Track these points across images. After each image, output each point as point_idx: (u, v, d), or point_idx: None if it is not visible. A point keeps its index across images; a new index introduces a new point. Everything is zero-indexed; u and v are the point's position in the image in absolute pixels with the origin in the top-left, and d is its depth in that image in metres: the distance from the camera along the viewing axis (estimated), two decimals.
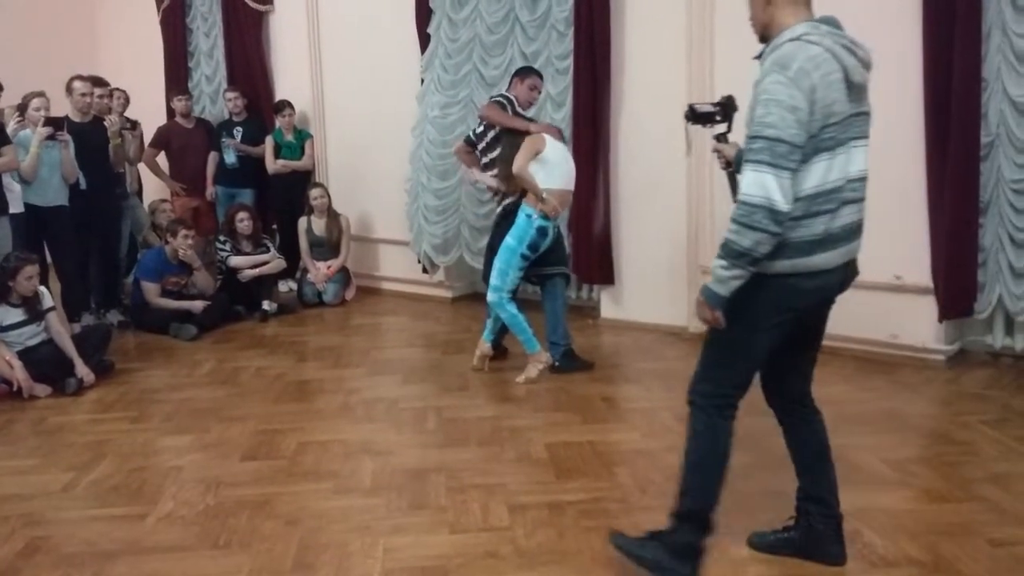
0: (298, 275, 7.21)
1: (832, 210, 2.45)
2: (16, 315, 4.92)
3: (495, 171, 5.01)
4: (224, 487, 3.55)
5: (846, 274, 2.60)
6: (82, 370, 4.94)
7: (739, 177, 2.54)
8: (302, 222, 7.06)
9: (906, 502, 3.28)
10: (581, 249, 6.03)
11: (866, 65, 2.47)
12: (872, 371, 4.83)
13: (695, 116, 3.18)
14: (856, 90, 2.44)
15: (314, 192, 7.04)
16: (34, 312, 4.98)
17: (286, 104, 7.41)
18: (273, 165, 7.40)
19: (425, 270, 6.88)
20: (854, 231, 2.55)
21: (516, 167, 4.58)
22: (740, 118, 2.74)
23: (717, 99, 3.15)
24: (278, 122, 7.44)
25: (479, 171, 5.17)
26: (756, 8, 2.57)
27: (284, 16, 7.75)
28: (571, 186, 4.89)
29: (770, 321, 2.54)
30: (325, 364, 5.38)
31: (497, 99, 5.07)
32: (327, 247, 7.06)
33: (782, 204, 2.34)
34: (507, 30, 6.25)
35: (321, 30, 7.49)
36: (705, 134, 3.43)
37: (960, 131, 4.58)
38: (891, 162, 4.79)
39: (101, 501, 3.48)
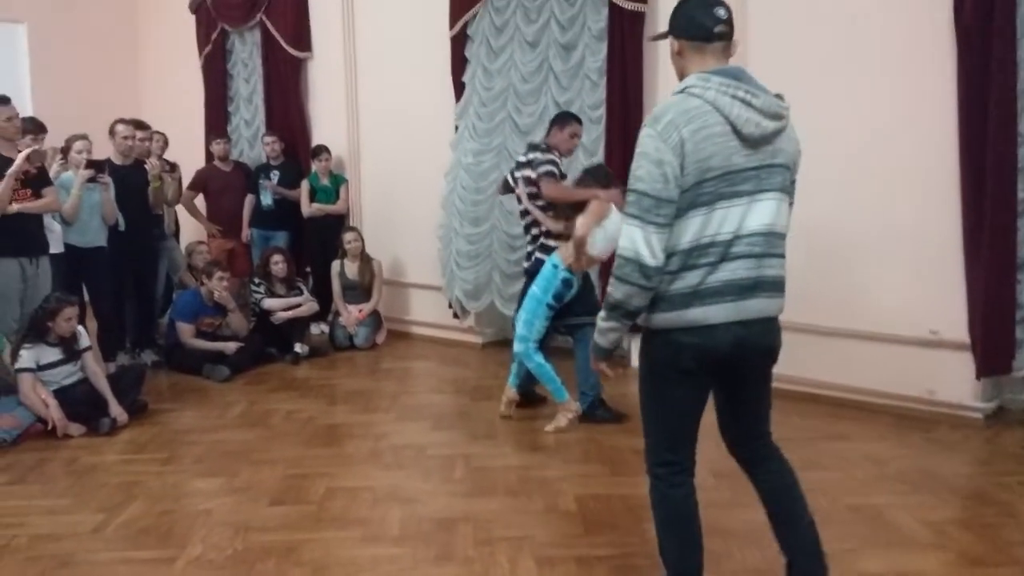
0: (330, 318, 7.26)
1: (711, 263, 2.39)
2: (54, 354, 4.99)
3: (550, 212, 4.97)
4: (252, 532, 3.55)
5: (746, 334, 2.45)
6: (116, 410, 4.99)
7: None
8: (335, 265, 7.13)
9: (943, 565, 3.20)
10: None
11: (771, 115, 2.39)
12: (909, 428, 4.74)
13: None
14: (754, 142, 2.38)
15: (348, 236, 7.12)
16: (71, 352, 5.05)
17: (323, 149, 7.53)
18: (308, 209, 7.50)
19: (456, 315, 6.90)
20: (747, 288, 2.42)
21: (580, 232, 4.48)
22: None
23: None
24: (314, 166, 7.55)
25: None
26: (672, 60, 2.58)
27: (322, 63, 7.91)
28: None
29: (667, 377, 2.51)
30: (355, 408, 5.40)
31: (547, 169, 4.91)
32: (359, 291, 7.12)
33: (648, 258, 2.35)
34: (541, 79, 6.32)
35: (359, 77, 7.63)
36: None
37: (996, 186, 4.53)
38: (927, 217, 4.79)
39: (131, 543, 3.50)
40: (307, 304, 6.88)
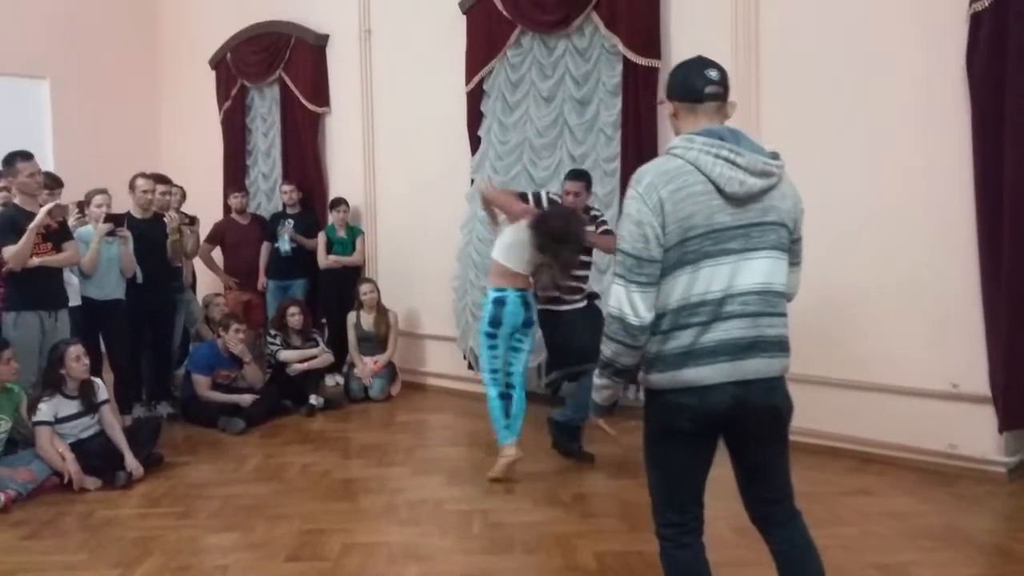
0: (345, 369, 7.26)
1: (703, 323, 2.38)
2: (72, 407, 5.01)
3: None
4: None
5: (744, 395, 2.40)
6: (132, 463, 4.98)
7: None
8: (351, 316, 7.16)
9: None
10: None
11: (757, 173, 2.38)
12: (931, 483, 4.68)
13: None
14: (740, 200, 2.38)
15: (364, 287, 7.15)
16: (89, 404, 5.07)
17: (341, 201, 7.61)
18: (325, 260, 7.55)
19: (471, 367, 6.89)
20: (743, 348, 2.39)
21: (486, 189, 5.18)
22: None
23: None
24: (331, 218, 7.63)
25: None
26: (670, 121, 2.60)
27: (340, 117, 8.03)
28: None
29: (667, 438, 2.50)
30: (370, 462, 5.37)
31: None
32: (375, 342, 7.13)
33: (632, 317, 2.38)
34: (556, 133, 6.39)
35: (375, 131, 7.73)
36: None
37: (1014, 233, 4.51)
38: (945, 269, 4.78)
39: None
40: (323, 356, 6.90)
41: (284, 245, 7.66)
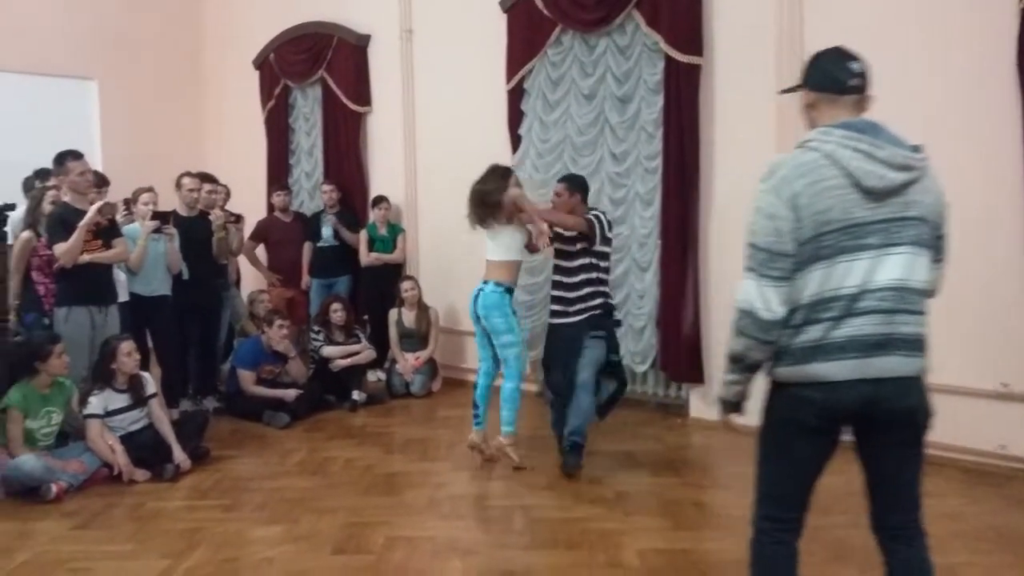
0: (387, 365, 7.32)
1: (834, 318, 2.33)
2: (121, 400, 5.11)
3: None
4: None
5: (874, 394, 2.34)
6: (179, 456, 5.07)
7: None
8: (392, 313, 7.21)
9: None
10: (670, 347, 6.00)
11: (897, 167, 2.33)
12: (981, 484, 4.60)
13: None
14: (879, 195, 2.33)
15: (405, 284, 7.20)
16: (138, 398, 5.16)
17: (383, 199, 7.68)
18: (366, 258, 7.62)
19: None
20: (875, 345, 2.32)
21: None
22: None
23: None
24: (373, 216, 7.69)
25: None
26: (802, 112, 2.57)
27: (381, 116, 8.10)
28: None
29: (787, 431, 2.46)
30: (412, 457, 5.41)
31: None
32: (416, 338, 7.18)
33: (763, 311, 2.34)
34: (597, 131, 6.38)
35: (416, 129, 7.79)
36: None
37: None
38: (995, 268, 4.69)
39: None
40: (365, 352, 6.96)
41: (327, 230, 7.73)
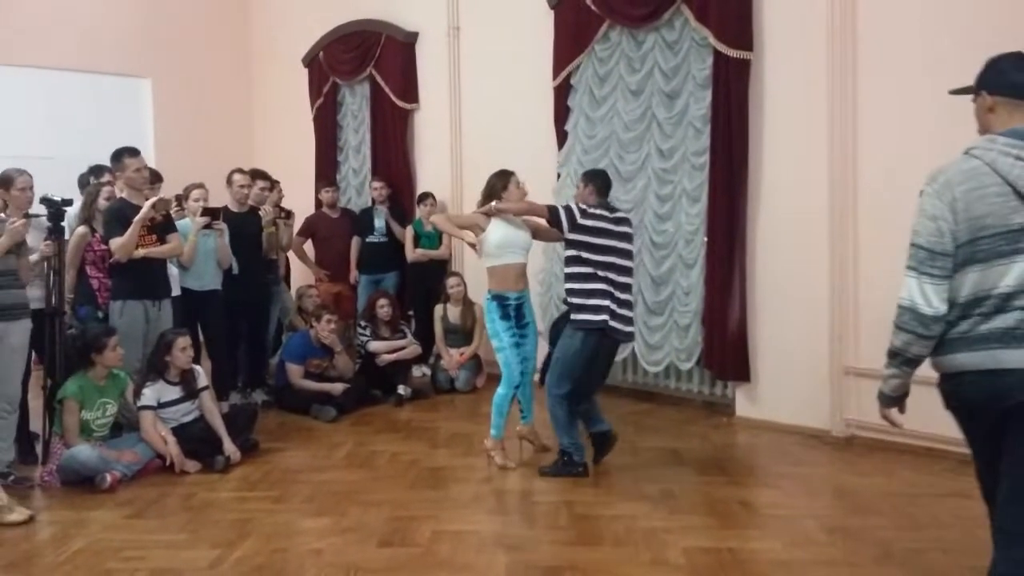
0: (431, 360, 7.37)
1: (984, 314, 2.44)
2: (173, 392, 5.21)
3: None
4: (362, 573, 3.60)
5: (1005, 386, 2.40)
6: (230, 448, 5.16)
7: None
8: (438, 309, 7.25)
9: None
10: (715, 344, 5.95)
11: None
12: None
13: None
14: None
15: (451, 281, 7.24)
16: (190, 390, 5.26)
17: (429, 195, 7.73)
18: (412, 254, 7.67)
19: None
20: (1015, 337, 2.39)
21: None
22: None
23: None
24: (419, 212, 7.74)
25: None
26: (976, 114, 2.64)
27: (428, 113, 8.15)
28: None
29: (964, 427, 2.59)
30: (457, 452, 5.44)
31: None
32: (461, 334, 7.21)
33: (924, 307, 2.48)
34: (644, 127, 6.35)
35: (463, 126, 7.82)
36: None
37: None
38: None
39: None
40: (410, 347, 7.02)
41: (379, 221, 7.83)
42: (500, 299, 5.05)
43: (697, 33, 5.93)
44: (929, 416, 5.07)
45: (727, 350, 5.89)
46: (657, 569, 3.60)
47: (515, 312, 5.06)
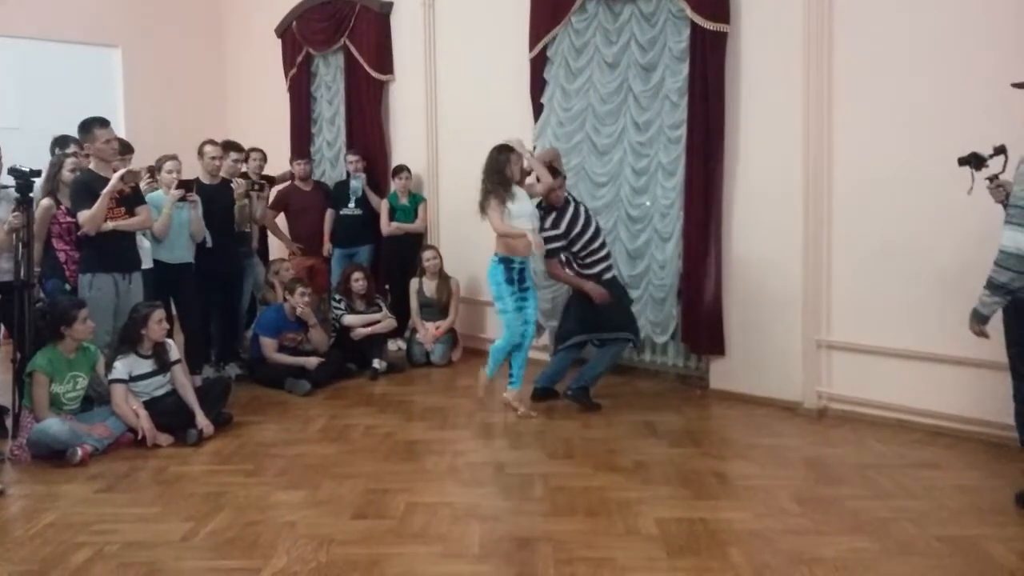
0: (407, 334, 7.35)
1: None
2: (145, 366, 5.16)
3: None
4: (336, 545, 3.60)
5: None
6: (202, 422, 5.13)
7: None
8: (413, 283, 7.22)
9: None
10: (690, 318, 5.97)
11: None
12: (1001, 457, 4.55)
13: (975, 159, 4.17)
14: None
15: (427, 254, 7.21)
16: (162, 363, 5.22)
17: (403, 168, 7.67)
18: (388, 227, 7.63)
19: None
20: None
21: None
22: None
23: (994, 146, 4.08)
24: (394, 185, 7.69)
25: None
26: None
27: (404, 85, 8.06)
28: None
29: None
30: (432, 425, 5.44)
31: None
32: (436, 308, 7.19)
33: None
34: (620, 100, 6.32)
35: (438, 98, 7.75)
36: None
37: None
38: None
39: (218, 553, 3.58)
40: (386, 321, 6.99)
41: (355, 182, 7.78)
42: (507, 262, 5.46)
43: (674, 5, 5.90)
44: (901, 389, 5.20)
45: (702, 324, 5.92)
46: (630, 539, 3.62)
47: (518, 275, 5.49)
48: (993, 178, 4.07)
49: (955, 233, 4.87)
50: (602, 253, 5.65)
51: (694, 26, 5.76)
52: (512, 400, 5.59)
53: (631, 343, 5.78)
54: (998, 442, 4.72)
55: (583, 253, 5.62)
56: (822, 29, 5.30)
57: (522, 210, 5.43)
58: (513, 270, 5.46)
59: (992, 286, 3.68)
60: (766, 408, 5.61)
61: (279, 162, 8.67)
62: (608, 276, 5.66)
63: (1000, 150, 4.05)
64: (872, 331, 5.24)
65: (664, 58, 6.05)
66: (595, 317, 5.59)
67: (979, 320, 3.79)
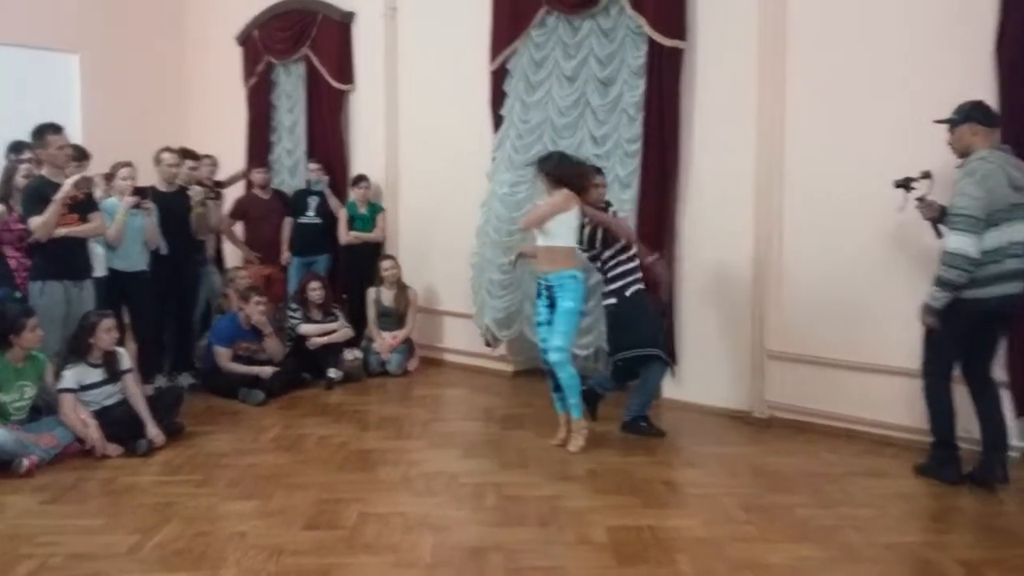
0: (364, 344, 7.32)
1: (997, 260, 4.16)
2: (95, 375, 5.09)
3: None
4: (286, 555, 3.58)
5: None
6: (153, 431, 5.06)
7: (940, 227, 4.37)
8: (371, 292, 7.21)
9: None
10: None
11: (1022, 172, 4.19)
12: None
13: (907, 182, 4.57)
14: (1017, 190, 4.14)
15: (385, 263, 7.20)
16: (113, 373, 5.15)
17: (363, 177, 7.67)
18: (346, 236, 7.61)
19: (488, 343, 6.91)
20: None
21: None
22: None
23: (921, 171, 4.54)
24: (353, 194, 7.68)
25: None
26: (963, 137, 4.24)
27: (364, 95, 8.07)
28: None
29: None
30: (387, 434, 5.42)
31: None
32: (394, 317, 7.19)
33: (973, 253, 4.09)
34: (578, 113, 6.38)
35: (399, 109, 7.77)
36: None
37: None
38: None
39: (165, 565, 3.53)
40: (342, 330, 6.96)
41: (316, 186, 7.75)
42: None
43: (632, 21, 5.98)
44: (848, 399, 5.29)
45: None
46: (580, 547, 3.65)
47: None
48: (921, 199, 4.52)
49: (900, 248, 4.99)
50: (628, 266, 5.29)
51: (651, 42, 5.84)
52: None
53: (661, 360, 5.32)
54: None
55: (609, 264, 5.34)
56: (776, 47, 5.41)
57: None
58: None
59: (941, 283, 4.15)
60: (716, 417, 5.69)
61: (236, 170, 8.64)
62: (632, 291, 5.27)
63: (926, 175, 4.52)
64: (819, 342, 5.34)
65: (622, 73, 6.13)
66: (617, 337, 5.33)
67: (931, 313, 4.22)
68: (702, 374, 5.87)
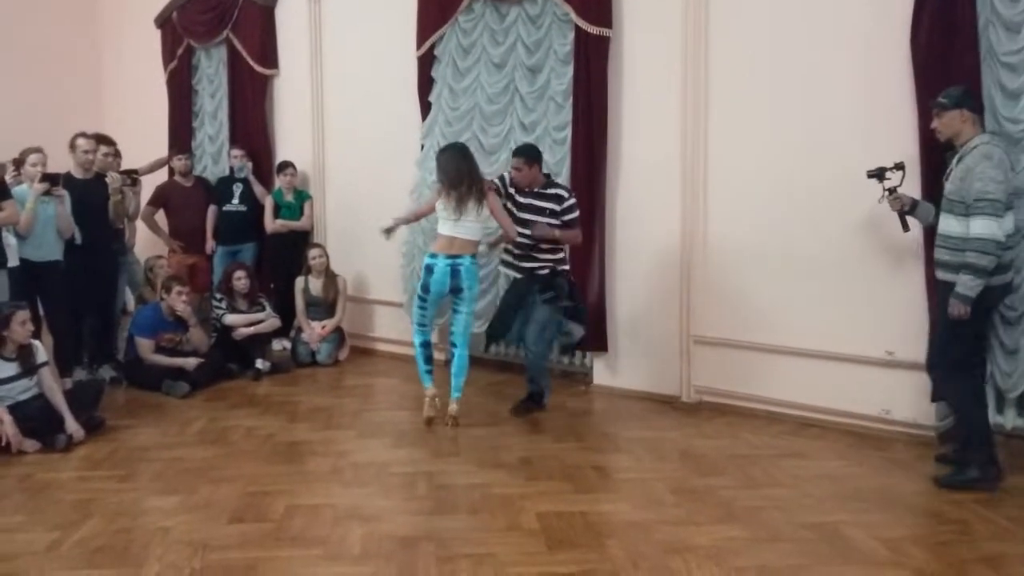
0: (292, 334, 7.22)
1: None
2: (9, 369, 4.91)
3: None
4: (211, 550, 3.51)
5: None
6: (72, 426, 4.91)
7: (908, 219, 4.47)
8: (299, 281, 7.10)
9: None
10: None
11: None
12: (865, 447, 4.82)
13: (880, 173, 4.52)
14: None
15: (313, 252, 7.10)
16: (28, 366, 4.97)
17: (288, 164, 7.52)
18: (272, 225, 7.47)
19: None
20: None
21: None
22: None
23: (894, 162, 4.52)
24: (279, 182, 7.54)
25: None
26: (952, 123, 4.15)
27: (288, 80, 7.91)
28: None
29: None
30: (316, 425, 5.36)
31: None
32: (323, 307, 7.09)
33: (1001, 237, 4.01)
34: (507, 100, 6.37)
35: (325, 95, 7.64)
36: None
37: None
38: (884, 236, 4.89)
39: (87, 562, 3.44)
40: (269, 320, 6.84)
41: (240, 173, 7.60)
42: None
43: (559, 8, 5.99)
44: (772, 382, 5.41)
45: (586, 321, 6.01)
46: (511, 534, 3.66)
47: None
48: (892, 191, 4.48)
49: (824, 234, 5.11)
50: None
51: (578, 30, 5.85)
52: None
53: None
54: (862, 432, 5.00)
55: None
56: (699, 34, 5.48)
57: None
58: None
59: (975, 270, 3.98)
60: (646, 402, 5.77)
61: (159, 156, 8.39)
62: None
63: (899, 166, 4.49)
64: (745, 327, 5.45)
65: (550, 60, 6.14)
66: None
67: (966, 303, 4.02)
68: (633, 360, 5.95)
